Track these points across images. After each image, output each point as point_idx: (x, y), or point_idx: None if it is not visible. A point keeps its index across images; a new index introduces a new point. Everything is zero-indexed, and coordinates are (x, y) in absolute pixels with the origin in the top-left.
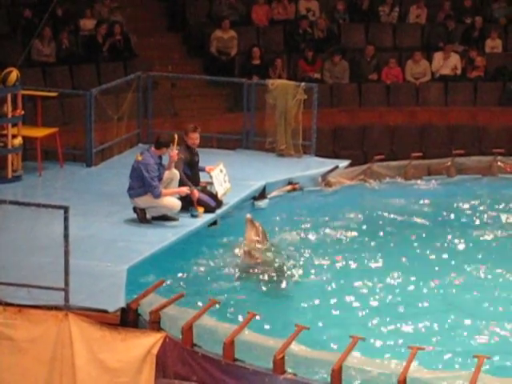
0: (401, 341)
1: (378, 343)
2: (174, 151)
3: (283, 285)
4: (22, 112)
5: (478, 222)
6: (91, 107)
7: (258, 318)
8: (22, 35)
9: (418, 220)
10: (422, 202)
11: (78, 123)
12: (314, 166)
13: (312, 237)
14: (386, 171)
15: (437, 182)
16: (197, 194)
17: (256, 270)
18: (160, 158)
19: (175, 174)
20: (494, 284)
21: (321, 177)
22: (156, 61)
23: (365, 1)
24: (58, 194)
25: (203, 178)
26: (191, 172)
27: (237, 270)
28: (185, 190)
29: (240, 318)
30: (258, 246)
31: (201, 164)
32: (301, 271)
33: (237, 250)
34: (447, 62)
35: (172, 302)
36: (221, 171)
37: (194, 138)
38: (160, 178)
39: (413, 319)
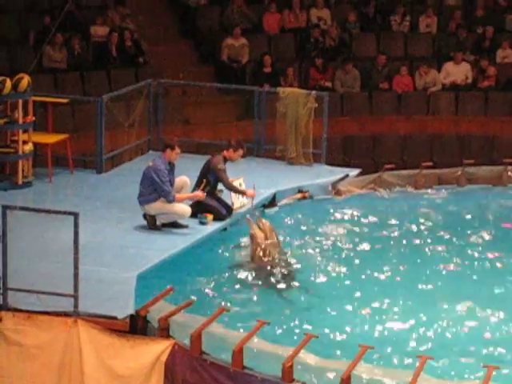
0: (410, 350)
1: (388, 352)
2: (200, 193)
3: (293, 293)
4: (33, 118)
5: (487, 231)
6: (102, 114)
7: (266, 325)
8: (35, 41)
9: (429, 229)
10: (431, 211)
11: (88, 130)
12: (324, 175)
13: (322, 245)
14: (396, 180)
15: (447, 191)
16: (252, 193)
17: (266, 278)
18: (170, 164)
19: (185, 181)
20: (506, 292)
21: (331, 185)
22: (167, 68)
23: (376, 10)
24: (68, 201)
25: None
26: (214, 180)
27: (246, 277)
28: (199, 194)
29: (249, 326)
30: (267, 242)
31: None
32: (311, 280)
33: (246, 255)
34: (458, 72)
35: (181, 309)
36: (240, 185)
37: (236, 156)
38: (171, 184)
39: (422, 328)
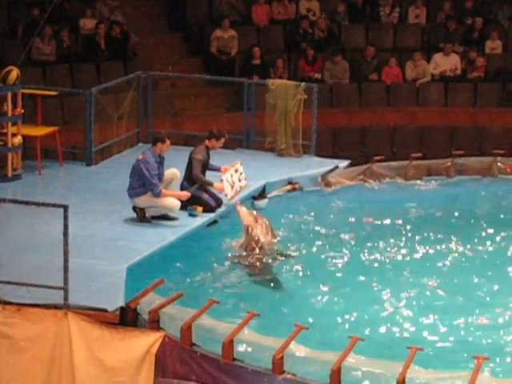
0: (400, 341)
1: (378, 343)
2: (185, 193)
3: (283, 285)
4: (22, 111)
5: (477, 222)
6: (91, 106)
7: (257, 317)
8: (24, 34)
9: (418, 220)
10: (421, 202)
11: (77, 122)
12: (313, 166)
13: (311, 236)
14: (385, 171)
15: (437, 182)
16: (221, 187)
17: (256, 269)
18: (160, 157)
19: (175, 173)
20: (493, 283)
21: (321, 177)
22: (156, 60)
23: (364, 1)
24: (58, 193)
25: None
26: (201, 171)
27: (236, 268)
28: (185, 194)
29: (239, 318)
30: (258, 232)
31: (214, 162)
32: (300, 271)
33: (236, 246)
34: (447, 63)
35: (171, 302)
36: (236, 171)
37: (219, 144)
38: (160, 178)
39: (411, 319)
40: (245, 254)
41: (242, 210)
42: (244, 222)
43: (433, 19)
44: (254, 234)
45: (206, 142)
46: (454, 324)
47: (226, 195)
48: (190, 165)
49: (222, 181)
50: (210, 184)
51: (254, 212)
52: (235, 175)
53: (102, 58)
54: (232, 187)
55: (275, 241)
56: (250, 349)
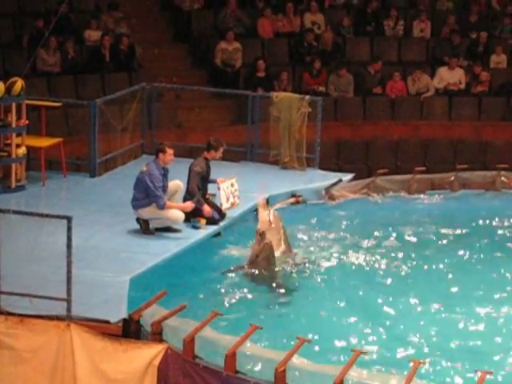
0: (402, 355)
1: (380, 357)
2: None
3: (286, 297)
4: (27, 122)
5: (480, 236)
6: (95, 118)
7: (259, 330)
8: (29, 45)
9: (421, 234)
10: (425, 216)
11: (82, 133)
12: (317, 179)
13: (315, 249)
14: (389, 185)
15: (440, 196)
16: (209, 211)
17: (259, 282)
18: (165, 169)
19: (179, 185)
20: (494, 299)
21: (324, 190)
22: (161, 72)
23: (370, 14)
24: (62, 204)
25: (210, 189)
26: (202, 184)
27: (239, 281)
28: (189, 205)
29: (242, 330)
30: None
31: (217, 175)
32: (304, 284)
33: (240, 259)
34: (451, 77)
35: (174, 314)
36: (232, 185)
37: (219, 154)
38: (164, 190)
39: (415, 333)
40: (248, 265)
41: (262, 213)
42: (258, 226)
43: (437, 33)
44: (257, 247)
45: (205, 153)
46: (456, 337)
47: (220, 205)
48: (189, 177)
49: (219, 189)
50: (201, 204)
51: (271, 215)
52: (231, 189)
53: (106, 70)
54: (227, 200)
55: (285, 249)
56: (252, 361)
